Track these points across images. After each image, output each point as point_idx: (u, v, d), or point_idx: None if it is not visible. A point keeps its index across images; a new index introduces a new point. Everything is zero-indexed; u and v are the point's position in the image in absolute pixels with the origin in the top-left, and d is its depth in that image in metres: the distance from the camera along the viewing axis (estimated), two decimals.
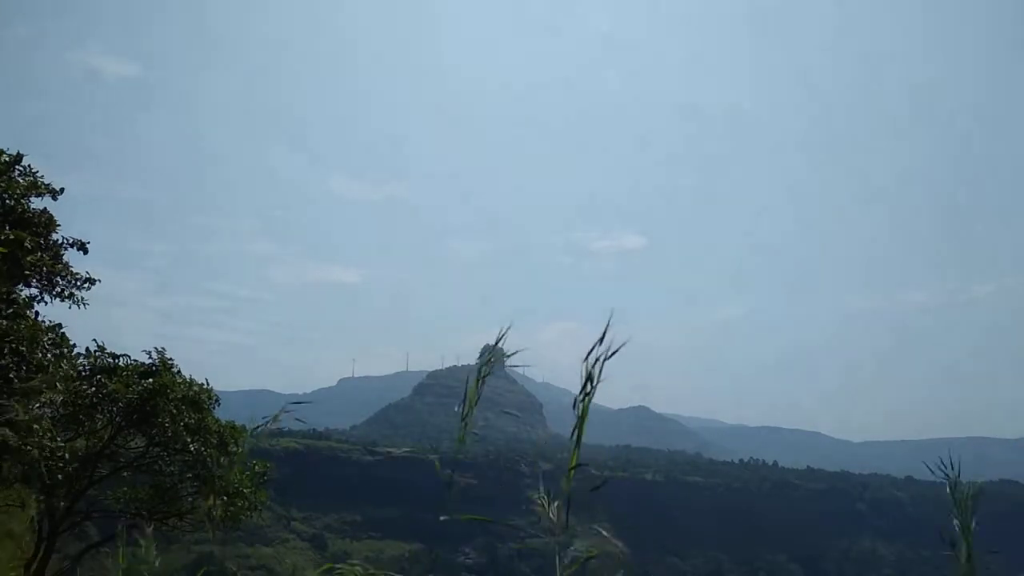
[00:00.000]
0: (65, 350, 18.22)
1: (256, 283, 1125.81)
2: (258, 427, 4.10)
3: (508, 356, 2.93)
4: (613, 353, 2.89)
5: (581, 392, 2.89)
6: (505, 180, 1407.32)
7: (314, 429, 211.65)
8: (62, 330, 18.12)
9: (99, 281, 18.18)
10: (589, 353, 2.89)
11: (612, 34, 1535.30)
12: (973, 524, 3.63)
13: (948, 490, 3.68)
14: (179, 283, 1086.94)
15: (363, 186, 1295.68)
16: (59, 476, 19.24)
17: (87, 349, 19.75)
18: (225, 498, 20.99)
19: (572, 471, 3.00)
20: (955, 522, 3.63)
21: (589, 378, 2.89)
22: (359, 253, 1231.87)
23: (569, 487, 2.99)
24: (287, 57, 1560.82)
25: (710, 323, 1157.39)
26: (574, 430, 2.92)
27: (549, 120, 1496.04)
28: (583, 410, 2.90)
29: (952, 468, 3.78)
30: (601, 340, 2.86)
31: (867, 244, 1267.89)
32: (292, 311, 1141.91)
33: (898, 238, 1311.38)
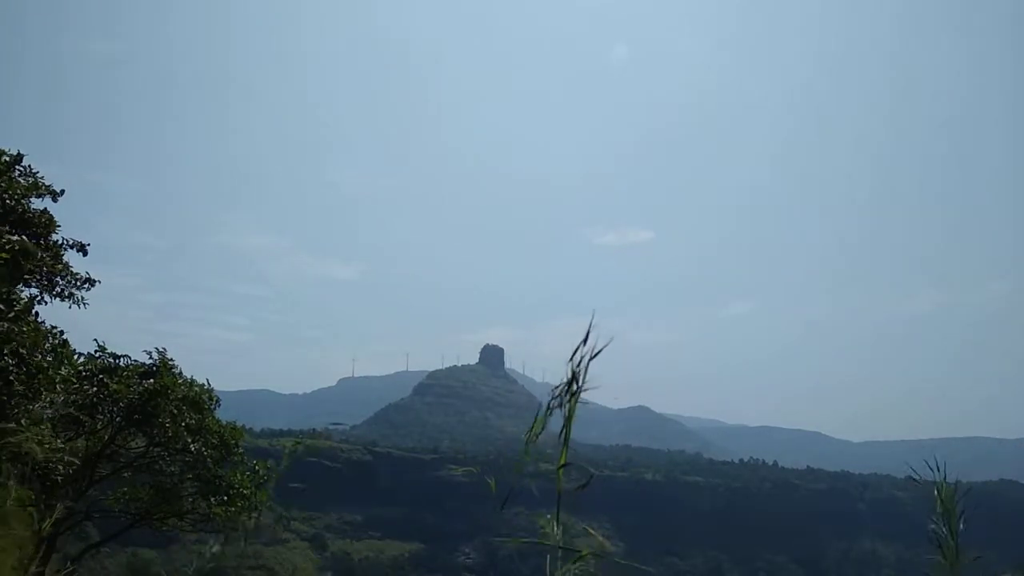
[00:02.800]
0: (63, 353, 18.20)
1: (254, 279, 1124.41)
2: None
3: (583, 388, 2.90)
4: (596, 354, 2.92)
5: (567, 392, 2.95)
6: (508, 173, 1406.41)
7: (314, 429, 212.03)
8: (64, 336, 18.12)
9: (99, 282, 18.18)
10: (574, 353, 2.92)
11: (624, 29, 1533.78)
12: (960, 526, 3.68)
13: (936, 492, 3.76)
14: (173, 278, 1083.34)
15: (363, 179, 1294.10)
16: (59, 477, 19.25)
17: (88, 354, 19.75)
18: (225, 499, 21.02)
19: (560, 470, 3.07)
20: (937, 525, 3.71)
21: (574, 378, 2.93)
22: (359, 249, 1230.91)
23: (560, 487, 3.05)
24: (285, 48, 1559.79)
25: (711, 322, 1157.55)
26: (562, 429, 2.98)
27: (554, 110, 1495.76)
28: (570, 410, 2.96)
29: (938, 470, 3.86)
30: (585, 340, 2.88)
31: (868, 244, 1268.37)
32: (291, 309, 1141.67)
33: (898, 238, 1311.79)
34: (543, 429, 2.97)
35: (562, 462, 3.02)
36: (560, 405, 2.94)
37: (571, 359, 2.92)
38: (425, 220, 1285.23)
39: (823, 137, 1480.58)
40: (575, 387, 2.93)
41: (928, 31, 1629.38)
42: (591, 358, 2.92)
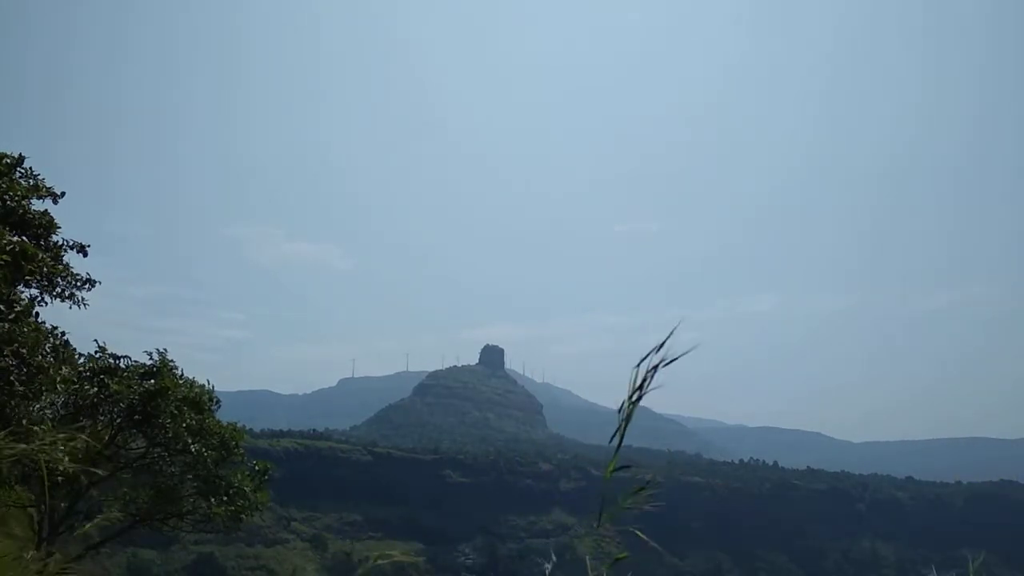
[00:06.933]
0: (64, 353, 18.20)
1: (250, 272, 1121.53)
2: None
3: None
4: (671, 361, 2.83)
5: (628, 399, 2.86)
6: (511, 167, 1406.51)
7: (314, 429, 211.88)
8: (65, 337, 18.09)
9: (99, 282, 18.17)
10: (643, 360, 2.82)
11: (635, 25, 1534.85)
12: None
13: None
14: (166, 273, 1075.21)
15: (366, 172, 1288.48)
16: (59, 477, 19.21)
17: (89, 355, 19.74)
18: (225, 499, 21.01)
19: (611, 473, 2.99)
20: None
21: (640, 386, 2.84)
22: (360, 242, 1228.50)
23: (606, 490, 2.98)
24: (288, 37, 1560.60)
25: (713, 322, 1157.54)
26: (615, 434, 2.90)
27: (561, 104, 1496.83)
28: (628, 414, 2.87)
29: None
30: (659, 347, 2.79)
31: (868, 244, 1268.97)
32: (289, 305, 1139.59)
33: (898, 238, 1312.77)
34: (623, 439, 2.89)
35: (612, 467, 2.96)
36: (619, 409, 2.86)
37: (638, 365, 2.82)
38: (426, 214, 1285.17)
39: (831, 136, 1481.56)
40: (640, 393, 2.84)
41: (951, 28, 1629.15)
42: (665, 365, 2.81)
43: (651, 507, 3.10)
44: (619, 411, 2.84)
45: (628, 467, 3.01)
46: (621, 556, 3.08)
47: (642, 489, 3.03)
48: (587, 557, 3.23)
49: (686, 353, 2.81)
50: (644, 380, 2.81)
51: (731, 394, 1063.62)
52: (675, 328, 2.79)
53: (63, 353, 18.07)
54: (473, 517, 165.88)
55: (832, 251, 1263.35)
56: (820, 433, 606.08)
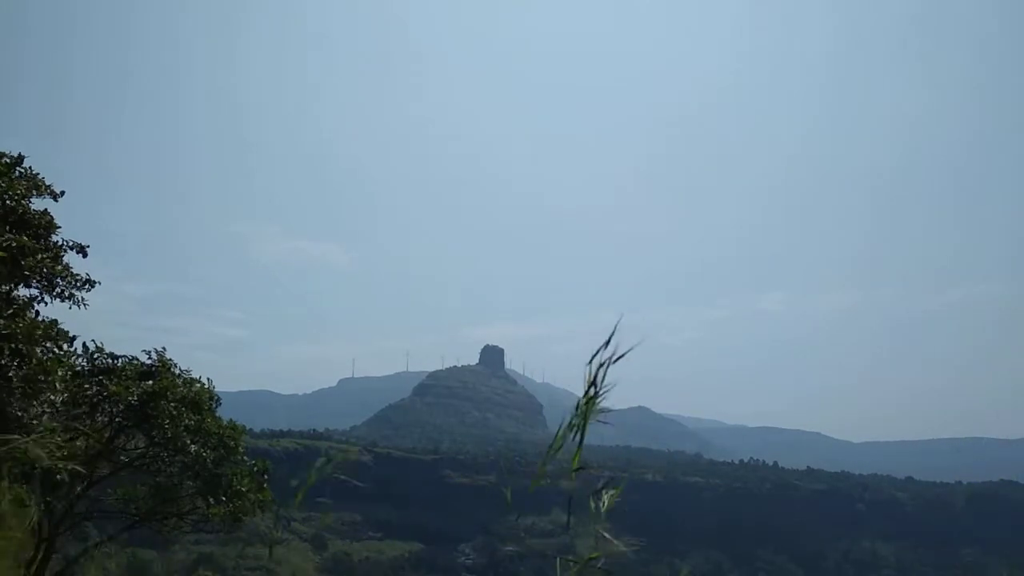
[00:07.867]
0: (65, 346, 18.11)
1: (248, 270, 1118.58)
2: None
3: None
4: (619, 357, 2.81)
5: (584, 396, 2.85)
6: (510, 164, 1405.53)
7: (314, 429, 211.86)
8: (59, 326, 17.96)
9: (99, 283, 18.11)
10: (593, 356, 2.80)
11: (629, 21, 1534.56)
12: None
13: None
14: (165, 271, 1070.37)
15: (366, 168, 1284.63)
16: (59, 476, 19.16)
17: (84, 345, 19.56)
18: (224, 498, 20.96)
19: (575, 472, 2.98)
20: None
21: (593, 382, 2.82)
22: (360, 239, 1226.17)
23: (573, 488, 2.96)
24: (288, 27, 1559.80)
25: (712, 322, 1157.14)
26: (575, 432, 2.89)
27: (561, 100, 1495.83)
28: (586, 413, 2.86)
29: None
30: (607, 343, 2.77)
31: (869, 243, 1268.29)
32: (288, 303, 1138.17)
33: (900, 237, 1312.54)
34: (562, 445, 2.87)
35: (575, 466, 2.94)
36: (576, 408, 2.84)
37: (590, 362, 2.81)
38: (426, 214, 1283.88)
39: (831, 136, 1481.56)
40: (593, 391, 2.83)
41: (954, 27, 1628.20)
42: (614, 361, 2.80)
43: (648, 505, 3.08)
44: (576, 408, 2.84)
45: (583, 468, 3.01)
46: (594, 556, 3.05)
47: (603, 488, 3.03)
48: (557, 558, 3.19)
49: (631, 350, 2.80)
50: (596, 376, 2.81)
51: (731, 394, 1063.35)
52: (617, 323, 2.78)
53: (60, 348, 17.91)
54: (473, 517, 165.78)
55: (831, 252, 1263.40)
56: (820, 433, 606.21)
